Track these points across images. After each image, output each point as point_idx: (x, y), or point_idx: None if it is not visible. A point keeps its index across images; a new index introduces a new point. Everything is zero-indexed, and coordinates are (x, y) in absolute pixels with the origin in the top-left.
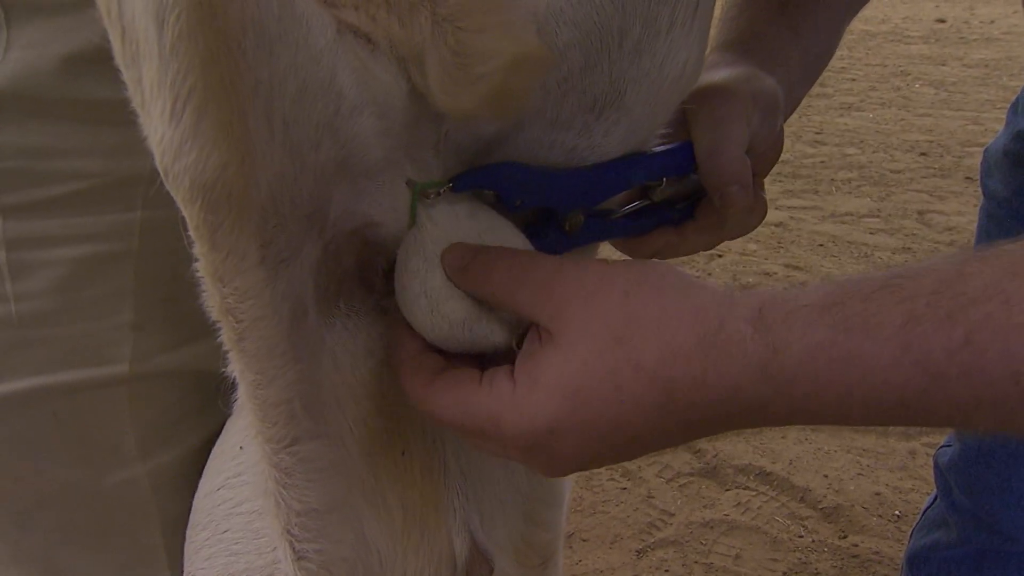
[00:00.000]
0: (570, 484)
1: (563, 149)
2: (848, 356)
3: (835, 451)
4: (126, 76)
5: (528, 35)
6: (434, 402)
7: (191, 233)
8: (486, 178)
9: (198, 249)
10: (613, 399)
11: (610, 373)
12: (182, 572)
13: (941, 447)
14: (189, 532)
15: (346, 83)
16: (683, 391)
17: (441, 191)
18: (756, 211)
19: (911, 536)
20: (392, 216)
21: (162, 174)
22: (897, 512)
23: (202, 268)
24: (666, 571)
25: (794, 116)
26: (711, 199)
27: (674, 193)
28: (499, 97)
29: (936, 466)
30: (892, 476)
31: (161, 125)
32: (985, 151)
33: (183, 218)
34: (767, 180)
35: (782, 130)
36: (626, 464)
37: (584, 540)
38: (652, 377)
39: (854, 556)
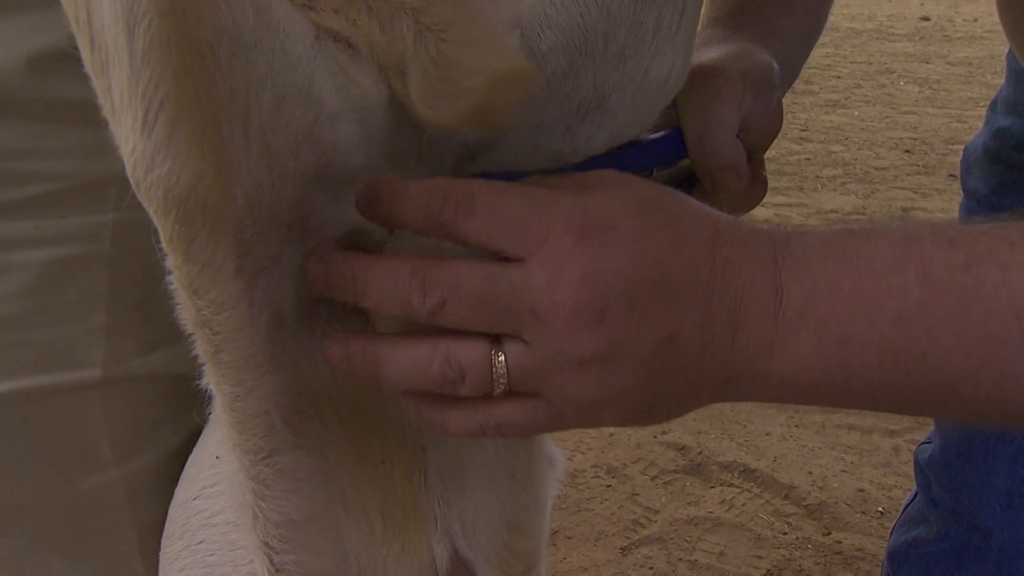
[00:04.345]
0: (552, 492)
1: (547, 154)
2: (852, 253)
3: (819, 448)
4: (96, 85)
5: (514, 51)
6: (497, 186)
7: (164, 245)
8: None
9: (172, 261)
10: (670, 224)
11: (668, 205)
12: None
13: (921, 444)
14: (164, 541)
15: (325, 90)
16: (725, 240)
17: None
18: (756, 190)
19: (892, 533)
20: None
21: (134, 186)
22: (880, 508)
23: (176, 280)
24: (650, 568)
25: None
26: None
27: (666, 180)
28: (482, 113)
29: (916, 463)
30: (876, 473)
31: (132, 136)
32: (965, 149)
33: (155, 229)
34: None
35: (781, 104)
36: (611, 461)
37: (569, 537)
38: (704, 218)
39: (837, 553)
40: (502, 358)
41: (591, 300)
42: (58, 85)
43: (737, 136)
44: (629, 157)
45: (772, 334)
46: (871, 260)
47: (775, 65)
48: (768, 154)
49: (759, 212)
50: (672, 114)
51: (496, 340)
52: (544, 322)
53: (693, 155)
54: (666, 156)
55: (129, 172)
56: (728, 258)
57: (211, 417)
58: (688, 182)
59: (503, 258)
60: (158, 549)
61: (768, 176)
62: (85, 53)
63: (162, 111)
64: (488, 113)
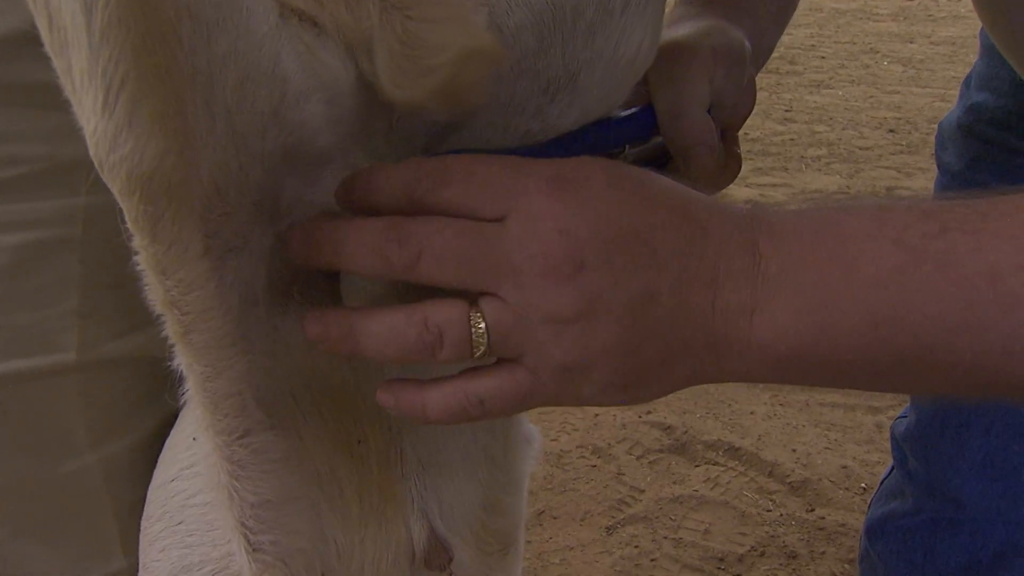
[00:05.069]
0: (528, 470)
1: (517, 133)
2: (827, 223)
3: (803, 426)
4: (56, 65)
5: (480, 29)
6: (470, 155)
7: (130, 226)
8: None
9: (138, 242)
10: (643, 191)
11: (640, 176)
12: (139, 560)
13: (898, 418)
14: (144, 523)
15: (291, 69)
16: (699, 205)
17: None
18: (729, 167)
19: (869, 506)
20: None
21: (97, 166)
22: (863, 485)
23: (143, 261)
24: (636, 547)
25: (763, 94)
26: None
27: (639, 158)
28: (449, 90)
29: (892, 436)
30: (859, 449)
31: (94, 116)
32: (939, 125)
33: (121, 210)
34: None
35: (753, 81)
36: (596, 441)
37: (554, 517)
38: (675, 188)
39: (820, 529)
40: (480, 316)
41: (567, 254)
42: (25, 68)
43: (709, 113)
44: (601, 135)
45: (751, 298)
46: (846, 229)
47: (746, 42)
48: (752, 135)
49: (743, 192)
50: (644, 91)
51: (473, 301)
52: (521, 276)
53: (665, 132)
54: (638, 133)
55: (92, 152)
56: (704, 223)
57: (188, 399)
58: (661, 159)
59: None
60: (138, 531)
61: (752, 157)
62: (44, 33)
63: (123, 90)
64: (455, 91)
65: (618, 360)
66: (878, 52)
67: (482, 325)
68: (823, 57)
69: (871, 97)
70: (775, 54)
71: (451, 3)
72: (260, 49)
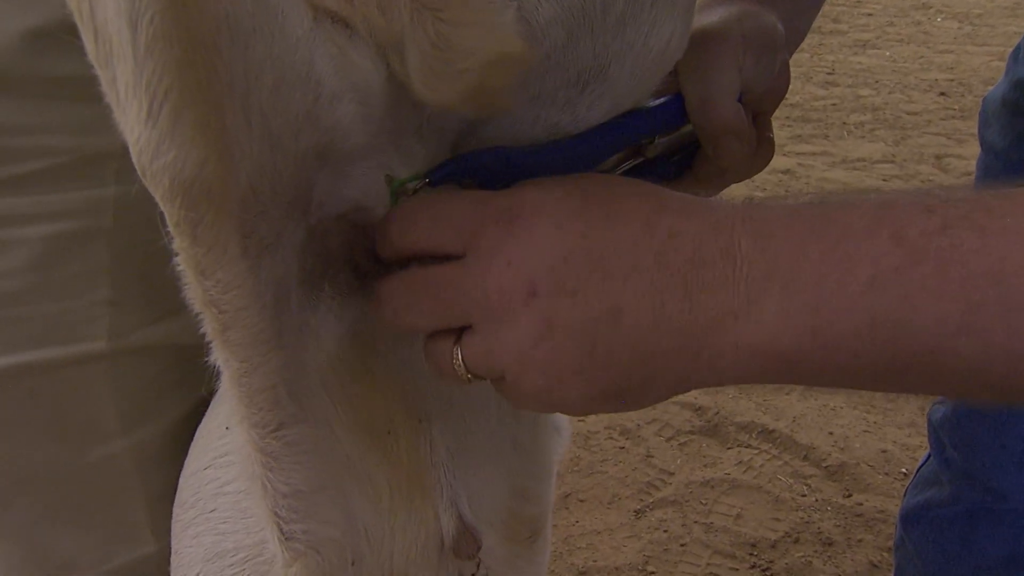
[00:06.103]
0: (557, 458)
1: (546, 124)
2: (822, 221)
3: (841, 407)
4: (100, 76)
5: (509, 32)
6: (437, 194)
7: (171, 229)
8: (462, 168)
9: (178, 244)
10: (604, 203)
11: (604, 188)
12: (170, 546)
13: (935, 404)
14: (176, 510)
15: (324, 71)
16: (670, 213)
17: (419, 186)
18: (761, 153)
19: (905, 494)
20: (379, 200)
21: (140, 173)
22: (904, 470)
23: (183, 262)
24: (665, 531)
25: (804, 55)
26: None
27: (668, 147)
28: (480, 93)
29: (929, 423)
30: (900, 433)
31: (138, 126)
32: (983, 101)
33: (161, 213)
34: (774, 125)
35: (787, 65)
36: (625, 422)
37: (581, 500)
38: (644, 195)
39: (858, 515)
40: (458, 348)
41: (516, 283)
42: (53, 61)
43: (740, 100)
44: (630, 125)
45: (733, 302)
46: (842, 227)
47: (779, 26)
48: (792, 99)
49: (781, 162)
50: (673, 80)
51: (460, 334)
52: (483, 310)
53: (694, 121)
54: (667, 123)
55: (135, 160)
56: (672, 230)
57: (219, 387)
58: (691, 147)
59: (449, 257)
60: (168, 517)
61: (791, 123)
62: (89, 45)
63: (166, 102)
64: (486, 93)
65: (591, 375)
66: (931, 7)
67: (459, 358)
68: (870, 14)
69: (921, 57)
70: None
71: (480, 5)
72: (295, 53)
